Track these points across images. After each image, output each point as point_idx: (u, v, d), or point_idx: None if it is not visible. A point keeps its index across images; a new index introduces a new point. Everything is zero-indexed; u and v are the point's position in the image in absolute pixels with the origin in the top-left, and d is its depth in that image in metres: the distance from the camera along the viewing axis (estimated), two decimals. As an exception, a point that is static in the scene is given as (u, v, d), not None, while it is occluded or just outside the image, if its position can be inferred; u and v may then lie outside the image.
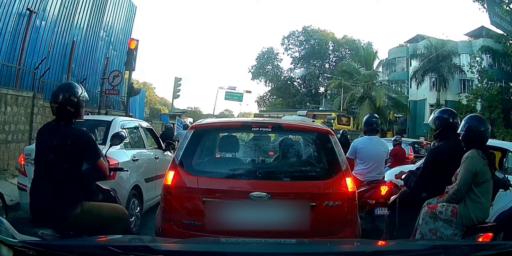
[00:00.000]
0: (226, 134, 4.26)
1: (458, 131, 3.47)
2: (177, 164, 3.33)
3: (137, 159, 5.59)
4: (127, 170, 4.70)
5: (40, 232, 2.49)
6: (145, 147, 6.36)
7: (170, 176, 3.29)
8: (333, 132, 3.66)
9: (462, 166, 3.23)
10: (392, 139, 10.37)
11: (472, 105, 26.13)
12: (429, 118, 4.11)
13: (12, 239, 1.65)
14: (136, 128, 6.40)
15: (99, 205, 3.01)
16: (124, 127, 5.82)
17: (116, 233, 2.89)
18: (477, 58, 26.87)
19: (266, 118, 9.64)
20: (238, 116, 48.06)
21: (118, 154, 5.00)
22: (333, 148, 3.44)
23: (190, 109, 60.83)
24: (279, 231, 3.04)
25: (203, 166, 3.57)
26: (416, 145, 12.51)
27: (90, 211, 2.89)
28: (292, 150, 3.98)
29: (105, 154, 3.32)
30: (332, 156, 3.41)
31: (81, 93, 2.98)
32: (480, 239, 3.17)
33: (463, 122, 3.44)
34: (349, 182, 3.26)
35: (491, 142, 3.70)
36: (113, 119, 5.83)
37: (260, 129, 3.69)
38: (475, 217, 3.19)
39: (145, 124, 7.08)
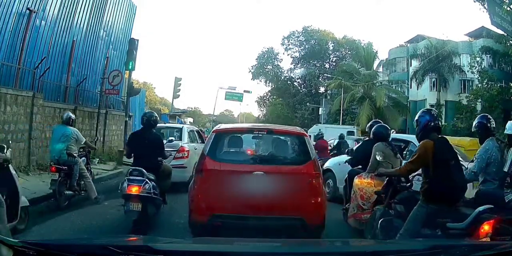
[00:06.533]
0: (236, 135, 6.03)
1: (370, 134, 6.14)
2: (205, 155, 5.03)
3: (196, 149, 9.20)
4: (186, 167, 8.83)
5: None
6: (198, 142, 10.62)
7: (201, 162, 5.01)
8: (307, 134, 5.71)
9: (373, 151, 5.49)
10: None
11: (472, 105, 26.12)
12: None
13: (12, 239, 1.64)
14: (193, 131, 11.25)
15: (167, 166, 6.49)
16: (189, 131, 10.51)
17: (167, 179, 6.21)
18: (477, 59, 26.85)
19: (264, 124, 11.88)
20: (238, 116, 48.01)
21: (188, 146, 9.49)
22: (306, 144, 5.18)
23: (190, 109, 60.85)
24: (272, 194, 4.67)
25: (222, 155, 5.29)
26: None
27: (164, 167, 6.26)
28: (280, 145, 5.76)
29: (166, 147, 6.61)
30: (305, 149, 5.14)
31: (157, 118, 6.30)
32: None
33: (372, 129, 6.01)
34: (315, 166, 5.00)
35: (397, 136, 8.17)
36: (183, 127, 10.72)
37: (259, 132, 5.79)
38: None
39: (196, 128, 12.73)
